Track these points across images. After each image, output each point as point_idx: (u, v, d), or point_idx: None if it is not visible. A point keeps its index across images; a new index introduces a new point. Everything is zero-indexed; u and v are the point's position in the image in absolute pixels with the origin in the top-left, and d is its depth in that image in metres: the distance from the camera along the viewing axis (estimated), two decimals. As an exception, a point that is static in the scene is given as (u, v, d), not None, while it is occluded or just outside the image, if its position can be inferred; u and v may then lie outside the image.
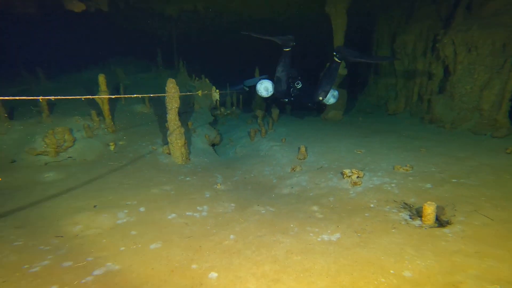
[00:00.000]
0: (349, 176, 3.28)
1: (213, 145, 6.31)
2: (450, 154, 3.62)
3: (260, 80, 5.07)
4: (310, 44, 8.03)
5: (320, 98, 4.55)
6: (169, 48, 9.73)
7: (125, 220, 2.45)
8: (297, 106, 5.50)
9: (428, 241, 1.91)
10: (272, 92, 4.88)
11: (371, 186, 3.06)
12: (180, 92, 3.74)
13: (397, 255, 1.83)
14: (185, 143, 4.17)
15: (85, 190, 2.92)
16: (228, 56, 12.00)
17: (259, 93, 4.97)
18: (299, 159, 4.26)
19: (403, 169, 3.25)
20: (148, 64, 9.70)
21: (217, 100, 8.58)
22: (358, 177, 3.22)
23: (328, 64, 4.72)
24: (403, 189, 2.79)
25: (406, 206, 2.51)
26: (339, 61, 4.46)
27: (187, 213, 2.77)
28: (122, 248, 2.05)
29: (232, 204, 3.13)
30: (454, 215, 2.18)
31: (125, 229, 2.30)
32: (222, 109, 8.59)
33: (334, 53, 4.46)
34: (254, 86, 5.64)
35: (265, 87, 4.87)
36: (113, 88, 6.22)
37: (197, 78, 8.32)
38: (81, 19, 8.48)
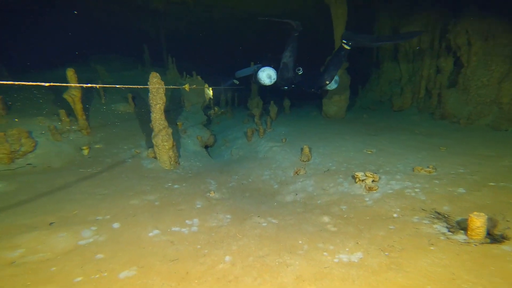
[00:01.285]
0: (363, 180, 2.91)
1: (206, 147, 5.90)
2: (475, 152, 3.29)
3: (258, 68, 4.80)
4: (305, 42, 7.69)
5: (327, 82, 4.48)
6: (158, 44, 9.30)
7: (90, 240, 2.01)
8: (298, 93, 5.24)
9: (487, 263, 1.53)
10: (275, 80, 4.66)
11: (390, 191, 2.69)
12: (175, 91, 3.36)
13: (449, 283, 1.44)
14: (173, 146, 3.75)
15: (42, 204, 2.48)
16: (221, 53, 11.61)
17: (261, 82, 4.68)
18: (303, 161, 3.88)
19: (425, 170, 2.89)
20: (135, 61, 9.24)
21: (210, 98, 8.19)
22: (373, 181, 2.85)
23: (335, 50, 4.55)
24: (431, 195, 2.43)
25: (440, 216, 2.14)
26: (348, 48, 4.32)
27: (173, 229, 2.36)
28: (78, 279, 1.61)
29: (228, 216, 2.73)
30: (509, 228, 1.81)
31: (88, 252, 1.87)
32: (216, 108, 8.19)
33: (344, 41, 4.31)
34: (246, 78, 5.40)
35: (268, 75, 4.61)
36: (91, 87, 5.75)
37: (188, 76, 7.91)
38: (59, 14, 8.01)
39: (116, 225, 2.25)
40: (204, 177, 3.79)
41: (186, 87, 2.73)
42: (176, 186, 3.26)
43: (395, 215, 2.35)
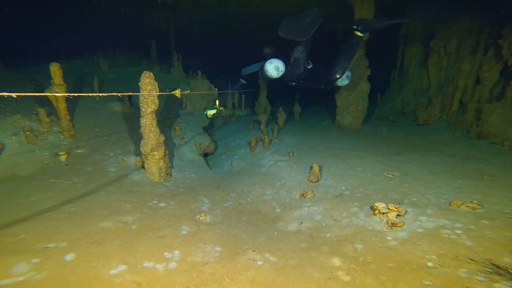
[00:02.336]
0: (384, 213, 2.45)
1: (206, 154, 5.55)
2: (531, 185, 2.76)
3: (265, 61, 4.59)
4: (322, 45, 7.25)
5: (338, 76, 4.26)
6: (167, 40, 9.10)
7: (20, 279, 1.63)
8: (306, 89, 5.17)
9: None
10: (283, 72, 4.46)
11: (421, 230, 2.23)
12: (172, 90, 3.02)
13: None
14: (165, 155, 3.40)
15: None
16: (233, 51, 11.32)
17: (268, 74, 4.49)
18: (311, 181, 3.44)
19: (467, 206, 2.41)
20: (141, 57, 9.06)
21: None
22: (398, 215, 2.39)
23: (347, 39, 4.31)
24: (481, 240, 1.95)
25: (501, 270, 1.66)
26: (361, 34, 4.10)
27: (146, 264, 1.98)
28: None
29: (218, 248, 2.33)
30: None
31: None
32: (222, 109, 7.86)
33: (355, 27, 4.09)
34: (253, 75, 5.21)
35: (275, 67, 4.42)
36: (87, 82, 5.51)
37: (194, 74, 7.63)
38: (65, 6, 7.92)
39: (69, 256, 1.88)
40: (197, 193, 3.42)
41: (177, 92, 2.37)
42: (162, 204, 2.90)
43: (430, 264, 1.88)
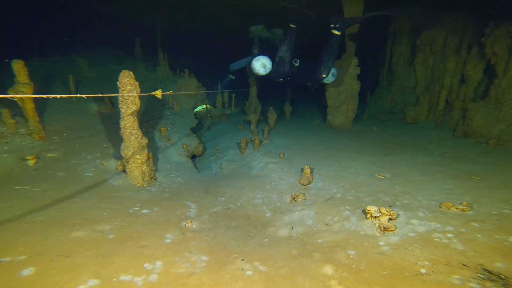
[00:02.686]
0: (376, 217, 2.41)
1: (194, 156, 5.41)
2: (519, 186, 2.79)
3: (252, 58, 4.68)
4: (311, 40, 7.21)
5: (324, 75, 4.39)
6: (154, 38, 8.84)
7: None
8: (296, 86, 5.30)
9: None
10: (270, 70, 4.55)
11: (413, 234, 2.20)
12: (157, 90, 2.86)
13: None
14: (149, 158, 3.26)
15: None
16: (224, 49, 11.14)
17: (255, 71, 4.55)
18: (303, 184, 3.38)
19: (457, 208, 2.40)
20: (125, 55, 8.78)
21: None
22: (390, 219, 2.36)
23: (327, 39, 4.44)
24: (473, 244, 1.93)
25: (493, 276, 1.64)
26: (338, 33, 4.24)
27: (122, 278, 1.86)
28: None
29: (204, 257, 2.24)
30: None
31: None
32: (210, 107, 7.71)
33: (332, 25, 4.24)
34: (241, 71, 5.21)
35: (262, 64, 4.49)
36: (62, 82, 5.24)
37: (181, 73, 7.44)
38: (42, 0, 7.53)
39: (27, 271, 1.72)
40: (183, 198, 3.30)
41: (158, 93, 2.25)
42: (144, 211, 2.76)
43: (423, 270, 1.85)
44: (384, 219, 2.36)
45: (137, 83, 2.82)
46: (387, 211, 2.27)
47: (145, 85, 7.09)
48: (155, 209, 2.85)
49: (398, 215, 2.40)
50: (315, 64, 4.46)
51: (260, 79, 4.93)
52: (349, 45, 5.63)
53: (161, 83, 7.10)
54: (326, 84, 4.88)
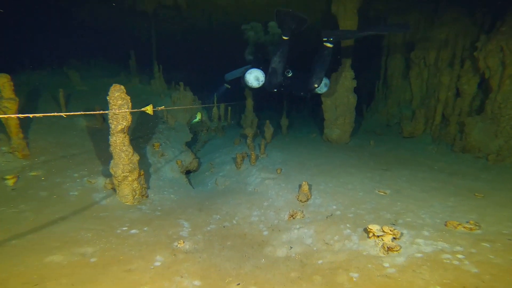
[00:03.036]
0: (378, 237, 2.31)
1: (188, 171, 5.30)
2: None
3: (246, 70, 4.83)
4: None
5: (316, 85, 4.50)
6: (149, 51, 8.90)
7: None
8: (287, 97, 5.54)
9: None
10: (263, 82, 4.68)
11: (419, 255, 2.10)
12: (157, 103, 2.81)
13: None
14: (140, 175, 3.15)
15: None
16: (219, 62, 11.29)
17: (248, 84, 4.69)
18: (301, 200, 3.29)
19: (464, 227, 2.32)
20: (120, 68, 8.78)
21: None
22: (394, 238, 2.26)
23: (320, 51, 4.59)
24: (486, 267, 1.84)
25: None
26: (330, 45, 4.39)
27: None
28: None
29: (196, 282, 2.11)
30: None
31: None
32: (204, 118, 7.65)
33: (324, 39, 4.38)
34: (237, 81, 5.29)
35: (255, 77, 4.62)
36: (52, 96, 5.14)
37: (176, 86, 7.43)
38: (35, 13, 7.59)
39: None
40: (176, 216, 3.17)
41: (149, 109, 2.18)
42: (133, 231, 2.63)
43: (434, 297, 1.74)
44: (387, 239, 2.26)
45: (128, 97, 2.75)
46: (390, 230, 2.18)
47: (140, 99, 7.05)
48: (145, 229, 2.71)
49: (402, 234, 2.31)
50: (307, 75, 4.59)
51: (255, 90, 4.99)
52: (344, 58, 5.71)
53: (156, 97, 7.06)
54: (320, 94, 5.07)
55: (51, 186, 2.88)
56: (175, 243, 2.56)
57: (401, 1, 6.02)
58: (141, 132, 4.99)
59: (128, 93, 6.21)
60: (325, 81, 4.64)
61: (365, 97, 8.89)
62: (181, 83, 6.70)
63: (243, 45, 5.56)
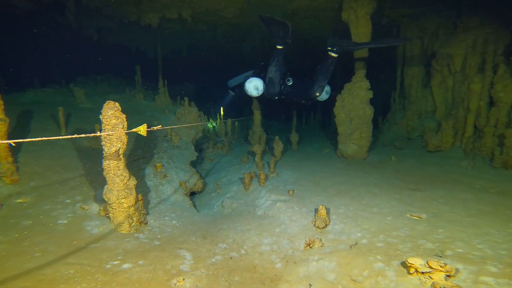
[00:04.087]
0: (425, 274, 1.93)
1: (193, 193, 5.03)
2: None
3: (246, 77, 5.03)
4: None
5: (317, 94, 4.61)
6: (155, 65, 9.00)
7: None
8: (289, 104, 5.83)
9: None
10: (262, 91, 4.82)
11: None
12: (162, 120, 2.60)
13: None
14: (138, 201, 2.90)
15: None
16: (225, 75, 11.44)
17: (248, 93, 4.86)
18: (318, 227, 2.94)
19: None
20: (125, 83, 8.84)
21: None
22: (447, 276, 1.88)
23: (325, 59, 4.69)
24: None
25: None
26: (335, 55, 4.49)
27: None
28: None
29: (197, 334, 1.76)
30: None
31: None
32: (211, 142, 7.46)
33: (329, 48, 4.48)
34: (240, 87, 5.41)
35: (254, 86, 4.76)
36: (51, 115, 5.04)
37: (182, 101, 7.35)
38: (41, 29, 7.81)
39: None
40: (177, 246, 2.87)
41: (142, 129, 1.95)
42: (125, 265, 2.33)
43: None
44: (438, 277, 1.87)
45: (123, 116, 2.54)
46: (440, 266, 1.80)
47: (144, 115, 6.96)
48: (140, 262, 2.41)
49: (457, 270, 1.91)
50: (309, 83, 4.69)
51: (256, 98, 5.25)
52: (358, 67, 5.48)
53: (160, 113, 6.96)
54: (321, 101, 5.13)
55: (37, 214, 2.65)
56: (174, 281, 2.25)
57: (416, 8, 5.85)
58: (142, 151, 4.79)
59: (132, 109, 6.07)
60: (326, 88, 4.73)
61: (379, 108, 8.56)
62: (186, 98, 6.58)
63: (248, 56, 5.56)
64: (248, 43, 8.63)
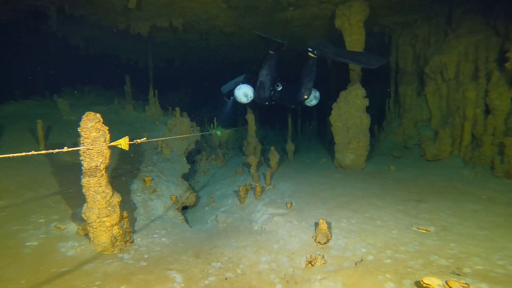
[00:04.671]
0: (438, 296, 1.76)
1: (185, 207, 4.79)
2: None
3: (237, 83, 5.09)
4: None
5: (305, 96, 4.67)
6: (146, 75, 8.84)
7: None
8: (279, 109, 5.77)
9: None
10: (252, 98, 4.87)
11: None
12: (151, 133, 2.41)
13: None
14: (122, 218, 2.67)
15: None
16: (220, 84, 11.38)
17: (238, 100, 4.91)
18: (319, 242, 2.76)
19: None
20: (114, 94, 8.63)
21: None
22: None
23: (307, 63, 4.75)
24: None
25: None
26: (314, 56, 4.57)
27: None
28: None
29: None
30: None
31: None
32: (204, 154, 7.26)
33: (310, 49, 4.58)
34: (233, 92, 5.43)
35: (244, 93, 4.81)
36: (29, 129, 4.76)
37: (174, 112, 7.18)
38: (24, 39, 7.62)
39: None
40: (166, 266, 2.64)
41: (123, 142, 1.77)
42: (107, 294, 2.08)
43: None
44: (453, 299, 1.70)
45: (106, 128, 2.35)
46: (463, 286, 1.63)
47: (133, 127, 6.73)
48: (122, 287, 2.17)
49: None
50: (296, 88, 4.76)
51: (248, 105, 5.24)
52: (353, 75, 5.45)
53: (151, 124, 6.75)
54: (310, 107, 5.16)
55: (1, 236, 2.37)
56: (162, 309, 2.02)
57: (408, 16, 5.91)
58: (130, 165, 4.56)
59: (120, 121, 5.78)
60: (314, 93, 4.80)
61: (374, 116, 8.55)
62: (177, 109, 6.41)
63: (242, 65, 5.51)
64: (242, 51, 8.60)
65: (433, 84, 5.94)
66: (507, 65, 4.22)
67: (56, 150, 1.42)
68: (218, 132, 7.70)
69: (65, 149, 1.41)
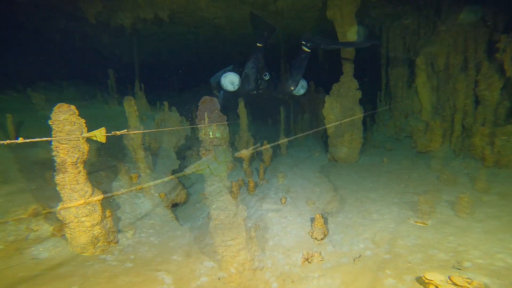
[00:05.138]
0: (440, 292, 1.69)
1: (175, 204, 4.63)
2: None
3: (224, 72, 5.11)
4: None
5: (292, 88, 4.76)
6: (131, 69, 8.51)
7: None
8: (266, 98, 5.84)
9: None
10: (238, 86, 4.91)
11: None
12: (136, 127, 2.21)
13: None
14: (106, 217, 2.50)
15: None
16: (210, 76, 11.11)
17: (224, 87, 4.95)
18: (316, 238, 2.67)
19: None
20: (97, 89, 8.27)
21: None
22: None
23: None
24: None
25: None
26: (308, 50, 4.63)
27: None
28: None
29: None
30: None
31: None
32: (194, 149, 7.06)
33: (303, 42, 4.61)
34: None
35: (230, 81, 4.86)
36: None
37: (162, 106, 6.94)
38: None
39: None
40: (154, 267, 2.51)
41: (99, 134, 1.62)
42: (88, 300, 1.93)
43: None
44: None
45: (82, 120, 2.17)
46: (467, 282, 1.56)
47: (117, 122, 6.44)
48: (106, 293, 2.02)
49: (486, 286, 1.69)
50: (284, 78, 4.83)
51: (233, 93, 5.23)
52: (346, 67, 5.37)
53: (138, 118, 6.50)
54: (298, 96, 5.22)
55: None
56: (149, 315, 1.89)
57: (398, 8, 5.87)
58: (115, 161, 4.36)
59: (103, 116, 5.47)
60: (302, 83, 4.88)
61: (367, 108, 8.55)
62: (166, 103, 6.18)
63: (234, 57, 5.42)
64: (232, 45, 8.38)
65: (423, 75, 5.92)
66: (499, 55, 4.22)
67: (8, 141, 1.25)
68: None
69: (20, 140, 1.25)
